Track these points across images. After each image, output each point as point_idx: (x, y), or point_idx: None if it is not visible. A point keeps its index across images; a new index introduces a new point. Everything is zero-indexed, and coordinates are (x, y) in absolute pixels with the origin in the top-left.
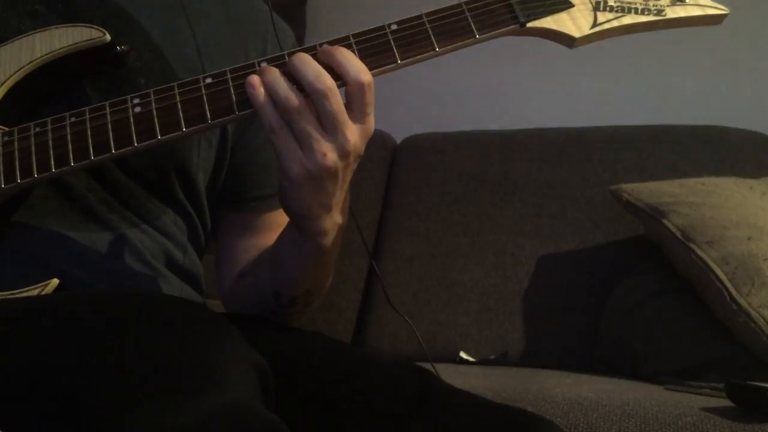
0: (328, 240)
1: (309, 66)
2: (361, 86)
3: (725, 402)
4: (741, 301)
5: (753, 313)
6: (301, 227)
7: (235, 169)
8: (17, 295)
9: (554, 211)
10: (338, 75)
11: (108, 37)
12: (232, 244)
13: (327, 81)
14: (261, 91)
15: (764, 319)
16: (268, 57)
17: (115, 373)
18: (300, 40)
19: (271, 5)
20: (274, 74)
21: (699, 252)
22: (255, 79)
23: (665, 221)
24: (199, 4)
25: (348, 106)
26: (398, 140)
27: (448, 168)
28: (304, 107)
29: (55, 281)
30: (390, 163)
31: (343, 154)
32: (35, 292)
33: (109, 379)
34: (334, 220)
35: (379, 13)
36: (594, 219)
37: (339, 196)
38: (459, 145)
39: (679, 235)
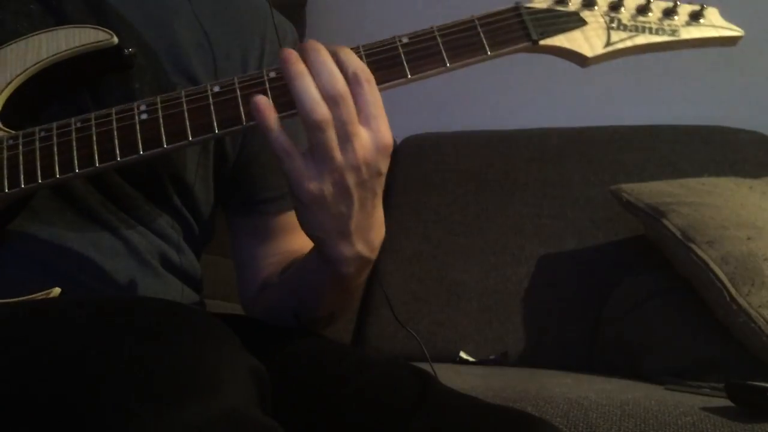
0: (349, 269)
1: (324, 68)
2: (358, 80)
3: (725, 402)
4: (741, 301)
5: (753, 313)
6: (320, 251)
7: (239, 173)
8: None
9: (554, 211)
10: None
11: (115, 39)
12: (249, 250)
13: (340, 86)
14: (272, 112)
15: (764, 319)
16: (277, 68)
17: (110, 380)
18: (300, 40)
19: (272, 4)
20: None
21: (699, 252)
22: (263, 99)
23: (665, 221)
24: (194, 5)
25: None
26: (398, 140)
27: (448, 168)
28: (329, 121)
29: (57, 290)
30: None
31: (353, 168)
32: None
33: (104, 386)
34: (355, 249)
35: (379, 14)
36: (594, 219)
37: (358, 222)
38: (459, 145)
39: (679, 235)
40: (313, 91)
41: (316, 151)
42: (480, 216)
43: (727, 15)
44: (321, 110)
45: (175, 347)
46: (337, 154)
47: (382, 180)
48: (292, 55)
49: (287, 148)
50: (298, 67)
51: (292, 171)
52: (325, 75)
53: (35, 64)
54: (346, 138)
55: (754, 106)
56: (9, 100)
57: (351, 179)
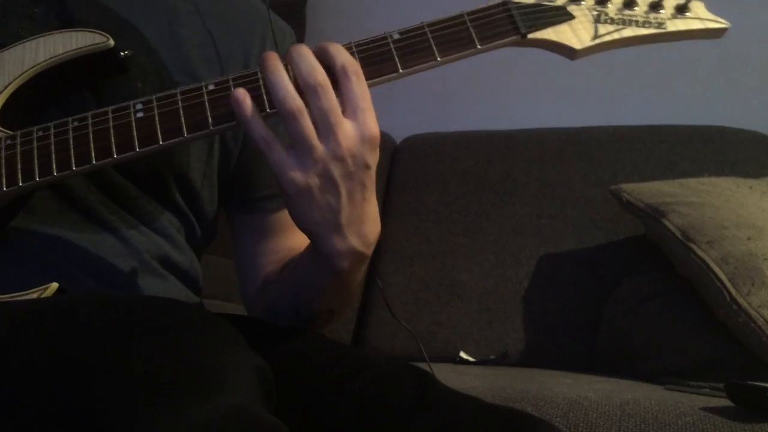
0: (343, 263)
1: (304, 60)
2: (346, 73)
3: (725, 402)
4: (741, 301)
5: (753, 313)
6: (314, 245)
7: (240, 169)
8: (17, 299)
9: (554, 211)
10: (328, 67)
11: (111, 42)
12: (250, 248)
13: (319, 76)
14: (249, 103)
15: (764, 319)
16: None
17: (116, 378)
18: (300, 40)
19: (269, 5)
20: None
21: (699, 252)
22: (241, 91)
23: (665, 221)
24: (196, 6)
25: (339, 99)
26: (398, 140)
27: (448, 168)
28: (302, 110)
29: (55, 285)
30: (390, 163)
31: (337, 158)
32: (34, 296)
33: (110, 384)
34: (348, 243)
35: (379, 14)
36: (594, 219)
37: (349, 215)
38: (459, 145)
39: (679, 235)
40: (285, 83)
41: (295, 142)
42: (480, 216)
43: (726, 17)
44: (293, 100)
45: (180, 346)
46: (317, 144)
47: (372, 173)
48: (271, 54)
49: (267, 138)
50: (274, 63)
51: (274, 162)
52: (305, 66)
53: (32, 67)
54: (327, 128)
55: (754, 106)
56: (7, 103)
57: (336, 170)
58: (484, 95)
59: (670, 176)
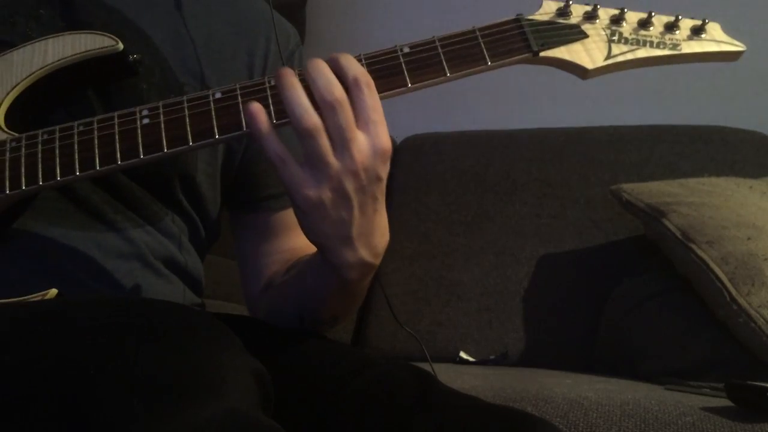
0: (352, 274)
1: (321, 76)
2: (358, 85)
3: (725, 402)
4: (741, 301)
5: (753, 313)
6: (323, 256)
7: (244, 169)
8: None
9: (554, 211)
10: (340, 79)
11: (121, 45)
12: (253, 248)
13: (336, 92)
14: (264, 119)
15: (764, 319)
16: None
17: (113, 382)
18: (299, 41)
19: (272, 5)
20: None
21: (699, 252)
22: (256, 106)
23: (665, 221)
24: (201, 7)
25: (352, 111)
26: (398, 140)
27: (448, 168)
28: (319, 128)
29: (54, 291)
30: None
31: (350, 172)
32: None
33: (107, 388)
34: (358, 254)
35: (378, 15)
36: (594, 219)
37: (360, 227)
38: (459, 145)
39: (679, 235)
40: (303, 100)
41: (310, 158)
42: (480, 216)
43: (726, 15)
44: (310, 118)
45: (178, 349)
46: (332, 160)
47: (383, 185)
48: (287, 69)
49: (281, 154)
50: (291, 80)
51: (288, 178)
52: (322, 81)
53: (41, 69)
54: (342, 143)
55: (754, 106)
56: (14, 104)
57: (350, 184)
58: (484, 95)
59: (670, 176)
